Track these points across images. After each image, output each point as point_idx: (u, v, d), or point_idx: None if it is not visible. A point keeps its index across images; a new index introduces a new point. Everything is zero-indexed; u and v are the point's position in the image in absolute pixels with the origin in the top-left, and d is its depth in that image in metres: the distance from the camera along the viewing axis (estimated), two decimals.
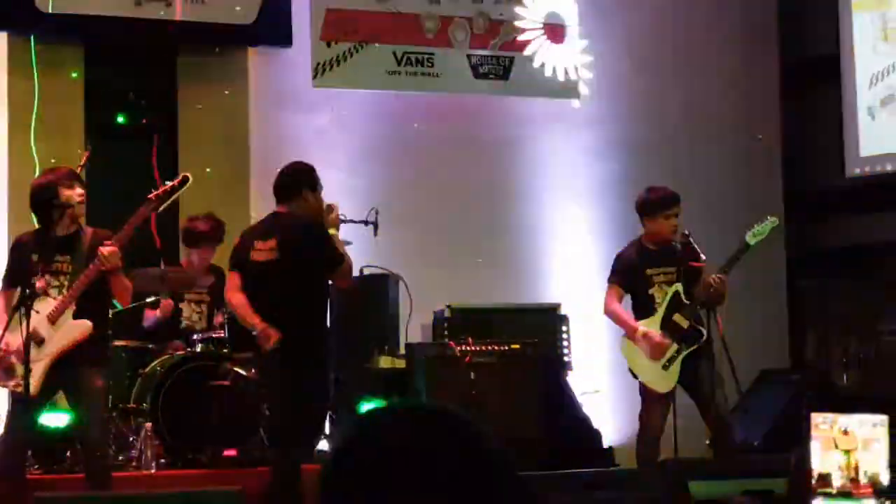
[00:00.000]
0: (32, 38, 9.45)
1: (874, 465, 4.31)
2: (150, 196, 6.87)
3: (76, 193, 6.75)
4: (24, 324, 6.39)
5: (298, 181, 7.03)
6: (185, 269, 8.50)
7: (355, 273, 7.73)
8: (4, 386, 6.71)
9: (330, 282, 7.06)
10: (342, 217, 7.20)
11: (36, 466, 7.50)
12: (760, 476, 5.56)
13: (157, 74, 9.93)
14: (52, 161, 8.69)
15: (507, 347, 8.78)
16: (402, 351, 9.10)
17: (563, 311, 9.95)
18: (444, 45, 10.58)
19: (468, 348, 8.66)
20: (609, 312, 7.95)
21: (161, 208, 6.93)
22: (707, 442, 7.91)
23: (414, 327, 9.25)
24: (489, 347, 8.73)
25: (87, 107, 9.60)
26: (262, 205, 9.00)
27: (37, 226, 6.89)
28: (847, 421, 4.23)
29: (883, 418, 4.22)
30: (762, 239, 7.91)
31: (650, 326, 7.79)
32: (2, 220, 9.26)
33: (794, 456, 4.41)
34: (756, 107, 11.56)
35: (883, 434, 4.26)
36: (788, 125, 11.66)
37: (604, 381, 10.20)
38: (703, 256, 7.69)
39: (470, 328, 9.10)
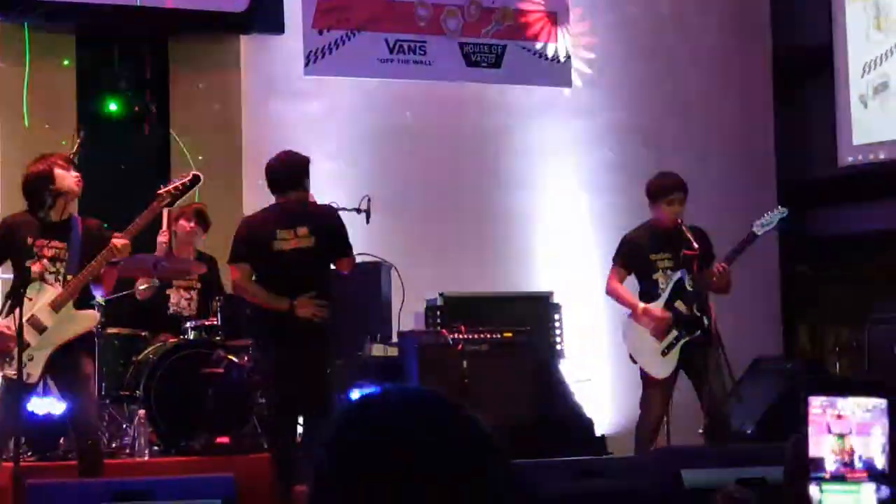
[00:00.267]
0: (26, 25, 9.43)
1: (869, 449, 4.30)
2: (160, 192, 6.89)
3: (73, 179, 6.73)
4: (19, 310, 6.37)
5: (300, 172, 7.19)
6: (177, 258, 8.48)
7: None
8: (2, 371, 6.66)
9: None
10: (334, 204, 7.44)
11: (29, 454, 7.47)
12: (753, 464, 5.57)
13: (150, 62, 9.90)
14: (44, 149, 8.65)
15: (499, 336, 8.78)
16: (395, 339, 9.10)
17: (555, 299, 9.96)
18: (436, 33, 10.57)
19: (461, 336, 8.65)
20: (611, 291, 7.95)
21: (175, 204, 7.08)
22: (700, 431, 7.90)
23: (406, 315, 9.23)
24: (482, 335, 8.72)
25: (78, 94, 9.58)
26: (254, 192, 9.00)
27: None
28: (843, 404, 4.22)
29: (879, 402, 4.21)
30: (769, 229, 7.89)
31: None
32: None
33: (790, 442, 4.39)
34: (749, 96, 11.56)
35: (879, 417, 4.25)
36: (781, 114, 11.65)
37: (596, 370, 10.20)
38: (695, 245, 7.65)
39: (462, 316, 9.08)
